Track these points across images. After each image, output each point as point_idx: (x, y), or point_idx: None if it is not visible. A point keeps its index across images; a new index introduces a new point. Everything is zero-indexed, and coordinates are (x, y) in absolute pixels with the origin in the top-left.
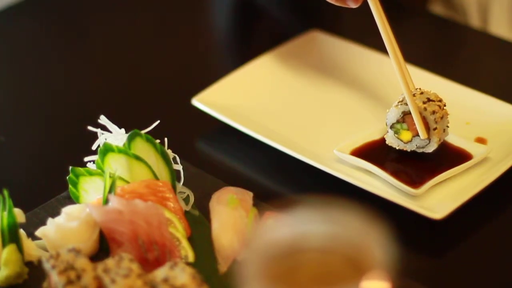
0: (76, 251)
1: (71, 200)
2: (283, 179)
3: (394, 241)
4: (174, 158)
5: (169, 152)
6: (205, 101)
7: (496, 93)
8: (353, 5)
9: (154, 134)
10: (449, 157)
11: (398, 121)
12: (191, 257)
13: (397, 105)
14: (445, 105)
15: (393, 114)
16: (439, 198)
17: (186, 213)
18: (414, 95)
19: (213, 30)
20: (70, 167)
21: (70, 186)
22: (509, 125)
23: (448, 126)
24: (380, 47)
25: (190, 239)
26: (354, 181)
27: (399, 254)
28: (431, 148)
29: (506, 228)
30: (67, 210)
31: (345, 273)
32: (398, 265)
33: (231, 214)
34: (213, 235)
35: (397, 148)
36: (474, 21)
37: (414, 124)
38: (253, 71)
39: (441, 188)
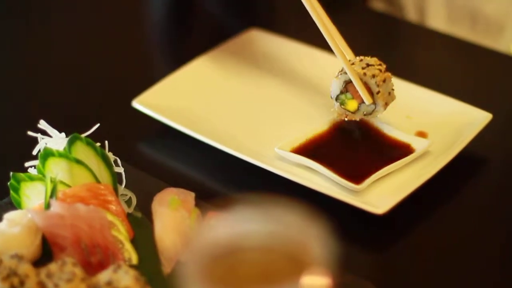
0: (19, 257)
1: (13, 206)
2: (225, 179)
3: (336, 237)
4: (115, 161)
5: (110, 155)
6: (145, 103)
7: (435, 87)
8: None
9: (94, 137)
10: (390, 151)
11: (341, 92)
12: (134, 259)
13: (337, 76)
14: (386, 69)
15: (336, 85)
16: (380, 193)
17: (129, 216)
18: (353, 63)
19: (151, 30)
20: (11, 173)
21: (11, 191)
22: (449, 118)
23: (393, 89)
24: (318, 42)
25: (133, 241)
26: (296, 178)
27: (341, 250)
28: (378, 113)
29: (447, 221)
30: (9, 216)
31: (288, 271)
32: (341, 261)
33: (173, 215)
34: (156, 236)
35: (346, 119)
36: (412, 15)
37: (358, 92)
38: (193, 71)
39: (383, 183)
